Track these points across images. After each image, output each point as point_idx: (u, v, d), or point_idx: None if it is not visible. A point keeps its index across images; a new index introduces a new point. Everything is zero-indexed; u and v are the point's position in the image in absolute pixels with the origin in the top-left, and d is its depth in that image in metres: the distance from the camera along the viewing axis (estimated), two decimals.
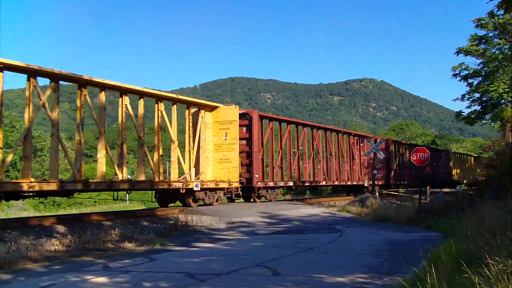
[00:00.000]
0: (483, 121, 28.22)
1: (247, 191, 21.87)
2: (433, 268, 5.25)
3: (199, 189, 18.05)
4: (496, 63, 24.00)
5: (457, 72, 26.28)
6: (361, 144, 32.41)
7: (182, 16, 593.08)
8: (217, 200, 19.51)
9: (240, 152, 20.82)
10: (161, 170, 17.34)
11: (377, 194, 24.31)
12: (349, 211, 20.38)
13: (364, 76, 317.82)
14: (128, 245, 11.10)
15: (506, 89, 23.36)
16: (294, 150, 27.05)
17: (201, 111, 19.62)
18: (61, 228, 12.42)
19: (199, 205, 18.78)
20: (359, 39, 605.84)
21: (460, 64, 25.97)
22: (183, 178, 18.17)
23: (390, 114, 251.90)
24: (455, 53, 25.56)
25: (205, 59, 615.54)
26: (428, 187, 22.54)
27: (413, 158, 18.63)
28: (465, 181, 45.21)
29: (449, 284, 5.10)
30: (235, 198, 21.84)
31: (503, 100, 24.54)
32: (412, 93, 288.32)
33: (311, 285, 6.67)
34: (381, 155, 27.05)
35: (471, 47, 24.91)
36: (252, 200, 22.35)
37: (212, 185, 18.97)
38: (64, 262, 9.11)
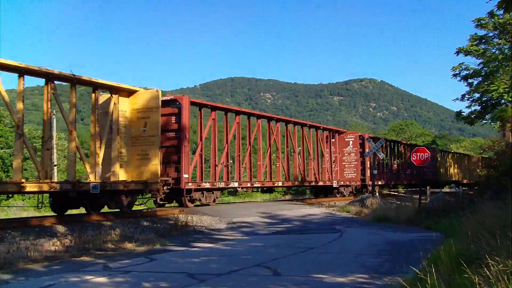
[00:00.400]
0: (483, 121, 28.21)
1: (179, 194, 17.96)
2: (433, 268, 5.25)
3: (98, 191, 14.02)
4: (496, 63, 23.99)
5: (457, 72, 26.27)
6: (333, 140, 29.17)
7: (182, 16, 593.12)
8: (129, 205, 15.61)
9: (168, 147, 17.73)
10: (50, 168, 13.61)
11: (377, 194, 24.30)
12: (349, 211, 20.40)
13: (364, 76, 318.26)
14: (128, 245, 11.11)
15: (506, 89, 23.35)
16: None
17: (113, 96, 15.82)
18: (61, 228, 12.43)
19: (107, 213, 15.39)
20: (359, 39, 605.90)
21: (460, 64, 25.96)
22: (87, 178, 14.84)
23: (390, 114, 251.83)
24: (455, 53, 25.56)
25: (205, 59, 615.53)
26: (428, 187, 22.54)
27: (413, 158, 18.61)
28: (465, 181, 44.66)
29: (449, 284, 5.10)
30: (161, 203, 18.22)
31: (503, 100, 24.53)
32: (412, 93, 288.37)
33: (311, 285, 6.67)
34: (381, 155, 27.03)
35: (471, 47, 24.89)
36: (184, 204, 18.14)
37: (119, 187, 14.97)
38: (64, 262, 9.12)
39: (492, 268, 4.68)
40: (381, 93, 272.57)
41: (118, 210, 15.35)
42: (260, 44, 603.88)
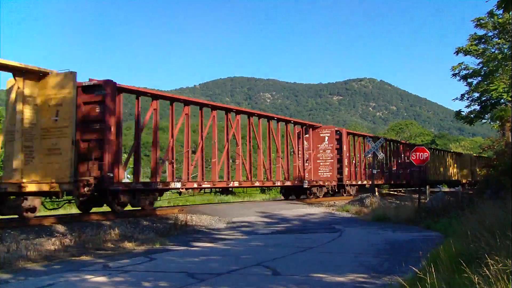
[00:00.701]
0: (483, 120, 28.20)
1: (106, 196, 15.12)
2: (432, 268, 5.26)
3: None
4: (496, 62, 23.99)
5: (456, 72, 26.27)
6: (306, 135, 26.57)
7: (182, 16, 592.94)
8: (30, 210, 12.82)
9: (91, 141, 15.13)
10: None
11: (376, 193, 24.32)
12: (348, 211, 20.41)
13: (363, 76, 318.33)
14: (128, 245, 11.10)
15: (505, 89, 23.35)
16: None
17: (17, 79, 13.28)
18: (61, 228, 12.43)
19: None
20: (359, 39, 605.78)
21: (459, 63, 25.97)
22: None
23: (389, 114, 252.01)
24: (454, 53, 25.55)
25: (205, 59, 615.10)
26: (427, 187, 22.55)
27: (412, 157, 18.61)
28: (463, 181, 44.05)
29: (449, 284, 5.10)
30: (83, 206, 15.52)
31: (502, 100, 24.53)
32: (412, 92, 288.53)
33: (311, 285, 6.68)
34: (380, 155, 27.00)
35: (471, 47, 24.89)
36: (112, 208, 15.43)
37: (9, 189, 12.23)
38: (64, 261, 9.12)
39: (491, 267, 4.68)
40: (380, 93, 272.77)
41: (16, 216, 12.90)
42: (260, 44, 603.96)
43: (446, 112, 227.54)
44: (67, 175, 13.39)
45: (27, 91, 13.60)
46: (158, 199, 17.25)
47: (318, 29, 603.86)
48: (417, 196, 18.49)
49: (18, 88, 13.42)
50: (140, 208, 16.18)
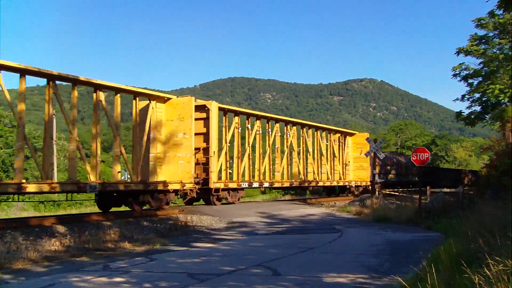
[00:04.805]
0: (483, 121, 28.12)
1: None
2: (433, 268, 5.25)
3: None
4: (497, 63, 23.93)
5: (457, 72, 26.19)
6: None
7: (182, 15, 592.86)
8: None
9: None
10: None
11: (377, 194, 24.29)
12: (349, 211, 20.39)
13: (364, 76, 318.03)
14: (128, 245, 11.11)
15: (503, 89, 23.25)
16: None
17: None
18: (61, 228, 12.43)
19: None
20: (359, 39, 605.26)
21: (460, 64, 25.90)
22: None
23: (390, 114, 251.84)
24: (455, 53, 25.48)
25: (205, 59, 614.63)
26: (428, 187, 22.52)
27: (413, 158, 18.60)
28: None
29: (449, 284, 5.10)
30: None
31: (502, 100, 24.47)
32: (412, 93, 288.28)
33: (311, 285, 6.67)
34: (381, 155, 27.01)
35: (471, 47, 24.83)
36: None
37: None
38: (64, 262, 9.12)
39: (492, 268, 4.68)
40: (381, 93, 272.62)
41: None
42: (260, 44, 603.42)
43: (447, 113, 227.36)
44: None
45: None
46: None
47: (319, 29, 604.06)
48: (418, 196, 18.46)
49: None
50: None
